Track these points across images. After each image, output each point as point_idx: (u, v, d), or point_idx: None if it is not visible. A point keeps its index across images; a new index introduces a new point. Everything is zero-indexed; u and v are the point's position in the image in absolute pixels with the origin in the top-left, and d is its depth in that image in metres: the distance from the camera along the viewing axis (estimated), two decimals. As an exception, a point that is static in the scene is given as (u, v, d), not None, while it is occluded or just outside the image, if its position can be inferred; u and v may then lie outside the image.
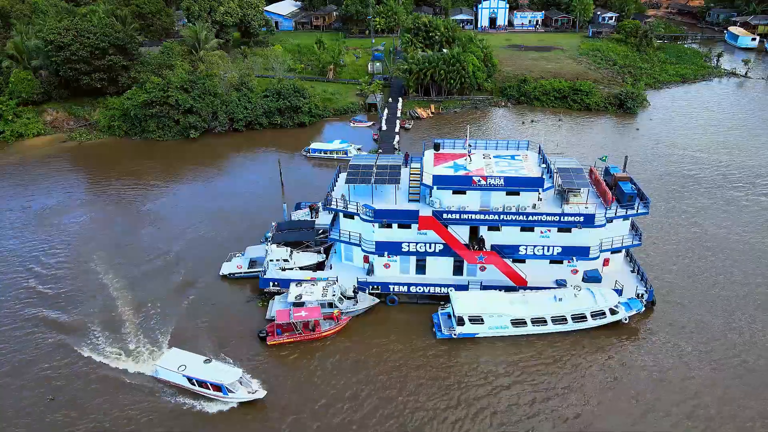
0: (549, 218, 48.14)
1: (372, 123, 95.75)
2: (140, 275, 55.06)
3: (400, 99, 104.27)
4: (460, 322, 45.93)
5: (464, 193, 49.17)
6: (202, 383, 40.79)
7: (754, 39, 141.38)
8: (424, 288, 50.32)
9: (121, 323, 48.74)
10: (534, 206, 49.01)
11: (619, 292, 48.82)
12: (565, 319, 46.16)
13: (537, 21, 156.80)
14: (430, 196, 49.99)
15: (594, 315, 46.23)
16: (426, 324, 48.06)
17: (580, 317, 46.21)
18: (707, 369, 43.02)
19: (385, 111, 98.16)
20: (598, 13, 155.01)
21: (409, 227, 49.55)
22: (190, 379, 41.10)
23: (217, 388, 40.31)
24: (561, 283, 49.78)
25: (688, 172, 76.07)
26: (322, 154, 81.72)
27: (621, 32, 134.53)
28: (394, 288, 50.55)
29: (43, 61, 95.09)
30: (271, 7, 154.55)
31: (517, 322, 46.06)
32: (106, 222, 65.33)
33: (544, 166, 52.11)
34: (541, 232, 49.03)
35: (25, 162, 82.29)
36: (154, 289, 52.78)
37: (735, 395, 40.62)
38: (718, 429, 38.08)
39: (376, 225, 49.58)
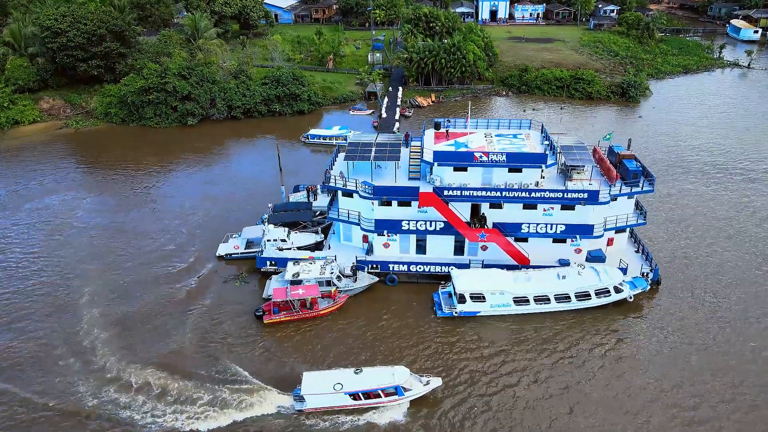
0: (552, 195, 47.12)
1: (372, 111, 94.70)
2: (134, 257, 54.01)
3: (401, 88, 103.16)
4: (462, 299, 44.85)
5: (465, 170, 48.08)
6: (369, 394, 37.01)
7: (756, 31, 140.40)
8: (425, 267, 49.24)
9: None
10: (537, 184, 47.96)
11: (624, 270, 47.75)
12: (569, 297, 45.07)
13: (538, 14, 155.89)
14: (431, 174, 48.90)
15: (598, 293, 45.14)
16: (426, 303, 46.98)
17: (583, 295, 45.12)
18: (712, 352, 42.03)
19: (385, 99, 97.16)
20: (600, 5, 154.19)
21: (409, 205, 48.51)
22: (353, 395, 36.90)
23: (390, 393, 36.95)
24: (564, 263, 48.67)
25: (689, 158, 74.99)
26: (321, 140, 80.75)
27: (623, 24, 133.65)
28: (393, 267, 49.43)
29: (39, 48, 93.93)
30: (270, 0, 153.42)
31: (520, 300, 44.97)
32: (102, 205, 64.17)
33: (547, 143, 51.03)
34: (544, 210, 47.97)
35: (21, 148, 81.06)
36: (148, 274, 51.63)
37: (737, 381, 39.49)
38: (723, 417, 36.93)
39: (376, 203, 48.51)
